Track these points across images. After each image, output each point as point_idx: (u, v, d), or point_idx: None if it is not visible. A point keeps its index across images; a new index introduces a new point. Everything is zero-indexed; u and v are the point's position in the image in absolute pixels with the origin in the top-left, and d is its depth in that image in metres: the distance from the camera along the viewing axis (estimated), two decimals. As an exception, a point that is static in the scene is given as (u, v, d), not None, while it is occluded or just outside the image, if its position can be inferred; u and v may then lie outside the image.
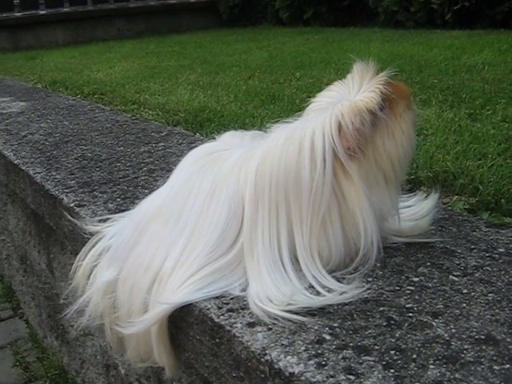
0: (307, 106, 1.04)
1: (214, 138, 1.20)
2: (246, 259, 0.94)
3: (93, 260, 1.14)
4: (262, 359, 0.77)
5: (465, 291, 0.89)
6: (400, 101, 0.99)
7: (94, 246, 1.16)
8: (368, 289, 0.90)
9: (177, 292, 0.92)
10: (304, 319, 0.83)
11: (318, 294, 0.89)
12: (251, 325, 0.84)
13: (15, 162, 1.84)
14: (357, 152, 0.93)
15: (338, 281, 0.92)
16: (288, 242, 0.94)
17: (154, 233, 1.02)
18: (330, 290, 0.90)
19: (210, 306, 0.89)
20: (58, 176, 1.63)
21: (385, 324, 0.81)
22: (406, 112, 0.99)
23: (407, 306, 0.85)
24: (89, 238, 1.19)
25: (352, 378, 0.71)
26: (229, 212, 0.97)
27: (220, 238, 0.96)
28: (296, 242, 0.94)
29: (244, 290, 0.92)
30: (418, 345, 0.76)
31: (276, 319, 0.83)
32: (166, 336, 0.98)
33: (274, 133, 1.03)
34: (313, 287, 0.91)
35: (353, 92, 0.98)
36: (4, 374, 2.00)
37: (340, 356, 0.75)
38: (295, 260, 0.94)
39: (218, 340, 0.87)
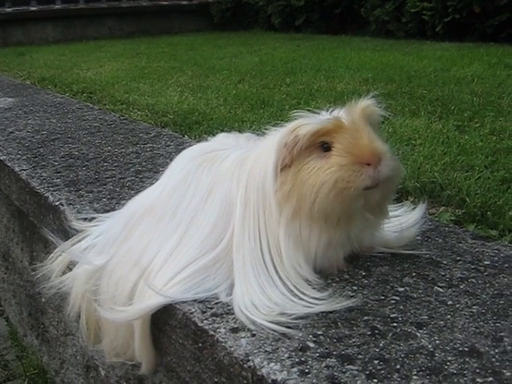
0: (296, 112, 1.03)
1: (205, 140, 1.20)
2: (235, 256, 0.95)
3: (75, 253, 1.13)
4: (245, 365, 0.76)
5: (449, 303, 0.89)
6: (344, 156, 0.90)
7: (77, 243, 1.16)
8: (352, 297, 0.90)
9: (163, 290, 0.92)
10: (288, 330, 0.82)
11: (302, 299, 0.89)
12: (235, 330, 0.83)
13: (1, 158, 1.82)
14: (278, 166, 0.94)
15: (311, 286, 0.93)
16: (266, 242, 0.95)
17: (146, 229, 1.02)
18: (305, 294, 0.90)
19: (193, 310, 0.89)
20: (43, 174, 1.62)
21: (369, 333, 0.81)
22: (337, 167, 0.90)
23: (392, 315, 0.85)
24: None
25: (335, 386, 0.70)
26: (220, 211, 0.98)
27: (208, 235, 0.97)
28: (269, 241, 0.95)
29: (229, 294, 0.91)
30: (402, 355, 0.76)
31: (262, 328, 0.83)
32: (148, 333, 0.97)
33: (267, 138, 1.03)
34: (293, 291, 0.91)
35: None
36: (-18, 372, 1.98)
37: (323, 364, 0.74)
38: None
39: (200, 344, 0.86)
